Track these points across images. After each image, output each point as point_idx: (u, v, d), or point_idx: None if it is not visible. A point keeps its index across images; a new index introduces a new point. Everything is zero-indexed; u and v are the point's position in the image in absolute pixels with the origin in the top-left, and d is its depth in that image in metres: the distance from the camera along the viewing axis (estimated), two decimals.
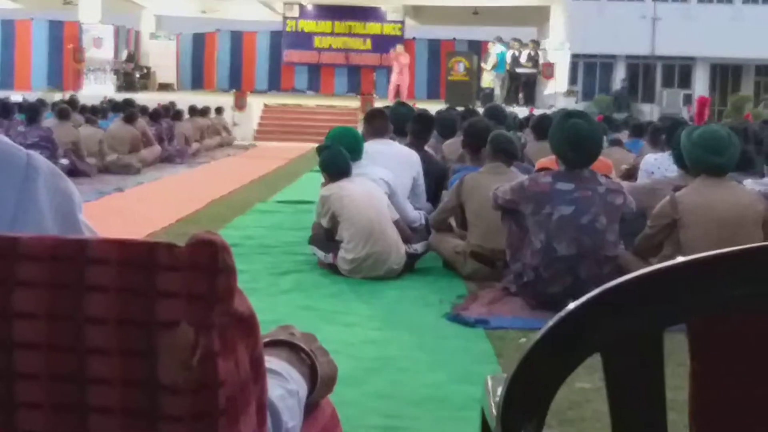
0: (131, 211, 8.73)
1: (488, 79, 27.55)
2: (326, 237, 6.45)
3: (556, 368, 0.99)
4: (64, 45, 27.71)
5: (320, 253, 6.52)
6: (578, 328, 0.98)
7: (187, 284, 0.92)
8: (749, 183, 5.80)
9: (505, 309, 5.34)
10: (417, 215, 7.02)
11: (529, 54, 26.82)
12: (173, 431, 0.96)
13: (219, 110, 22.19)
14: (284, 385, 1.24)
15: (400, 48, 29.00)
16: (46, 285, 0.95)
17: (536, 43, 27.85)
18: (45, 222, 1.14)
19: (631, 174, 8.05)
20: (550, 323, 0.98)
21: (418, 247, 6.56)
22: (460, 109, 14.79)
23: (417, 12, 32.60)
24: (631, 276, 0.96)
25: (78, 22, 27.48)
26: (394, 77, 28.36)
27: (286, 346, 1.35)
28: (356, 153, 6.82)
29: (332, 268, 6.36)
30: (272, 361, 1.25)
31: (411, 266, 6.50)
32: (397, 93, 27.63)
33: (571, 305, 0.96)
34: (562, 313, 0.97)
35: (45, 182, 1.16)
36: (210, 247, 0.92)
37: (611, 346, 0.98)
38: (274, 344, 1.34)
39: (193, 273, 0.92)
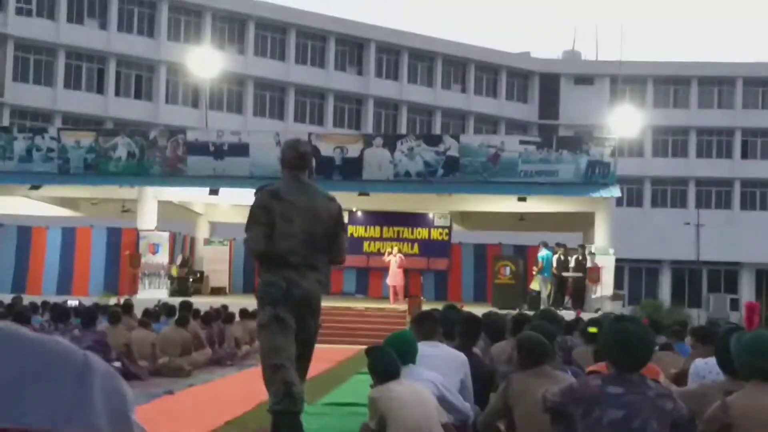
0: (181, 413, 8.69)
1: (535, 282, 27.64)
2: None
3: None
4: (121, 251, 28.32)
5: None
6: None
7: None
8: None
9: None
10: (469, 407, 6.93)
11: (577, 258, 26.99)
12: None
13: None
14: None
15: (394, 249, 29.33)
16: None
17: (582, 248, 28.02)
18: (99, 422, 1.15)
19: (681, 378, 7.91)
20: None
21: None
22: (509, 312, 14.76)
23: (464, 218, 33.11)
24: None
25: (135, 229, 28.16)
26: (389, 279, 28.66)
27: None
28: (409, 356, 6.81)
29: None
30: None
31: None
32: (395, 296, 27.90)
33: None
34: None
35: (100, 381, 1.18)
36: None
37: None
38: None
39: None
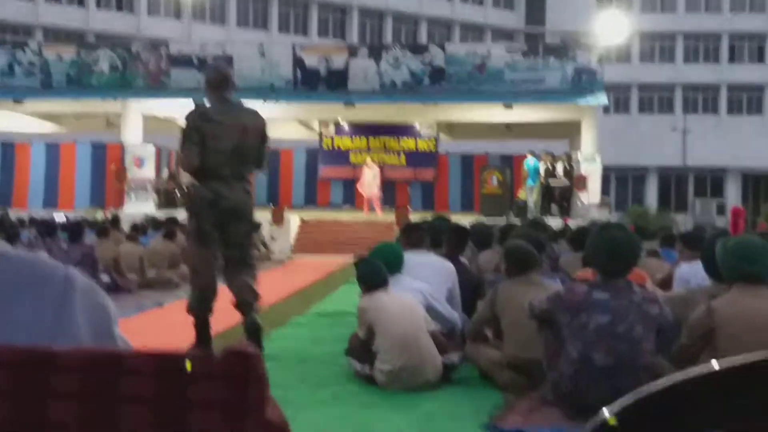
0: (171, 325, 8.75)
1: (522, 191, 27.71)
2: (363, 348, 6.42)
3: None
4: (106, 165, 28.23)
5: (357, 365, 6.48)
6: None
7: (220, 394, 0.92)
8: None
9: (542, 419, 5.26)
10: (457, 317, 7.01)
11: (564, 166, 27.00)
12: None
13: (257, 225, 22.33)
14: None
15: (368, 160, 29.27)
16: (81, 396, 0.95)
17: (569, 156, 28.03)
18: (81, 336, 1.15)
19: (666, 283, 7.98)
20: (585, 430, 0.96)
21: (454, 358, 6.50)
22: (496, 221, 14.83)
23: (450, 128, 33.00)
24: (665, 381, 0.94)
25: (120, 143, 28.03)
26: (364, 190, 28.68)
27: None
28: (396, 266, 6.86)
29: (369, 380, 6.31)
30: None
31: (447, 377, 6.43)
32: (371, 205, 27.93)
33: (605, 412, 0.94)
34: (594, 421, 0.94)
35: (82, 297, 1.17)
36: (242, 358, 0.93)
37: None
38: None
39: (226, 383, 0.92)
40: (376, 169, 28.69)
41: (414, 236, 7.74)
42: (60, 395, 0.96)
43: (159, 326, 9.20)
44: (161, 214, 20.54)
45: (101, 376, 0.96)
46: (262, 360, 0.96)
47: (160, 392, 0.92)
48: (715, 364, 0.94)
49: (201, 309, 7.19)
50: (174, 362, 0.94)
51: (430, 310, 6.73)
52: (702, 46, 53.40)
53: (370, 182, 28.46)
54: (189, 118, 7.20)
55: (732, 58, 52.98)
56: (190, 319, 7.28)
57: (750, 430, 0.98)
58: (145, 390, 0.93)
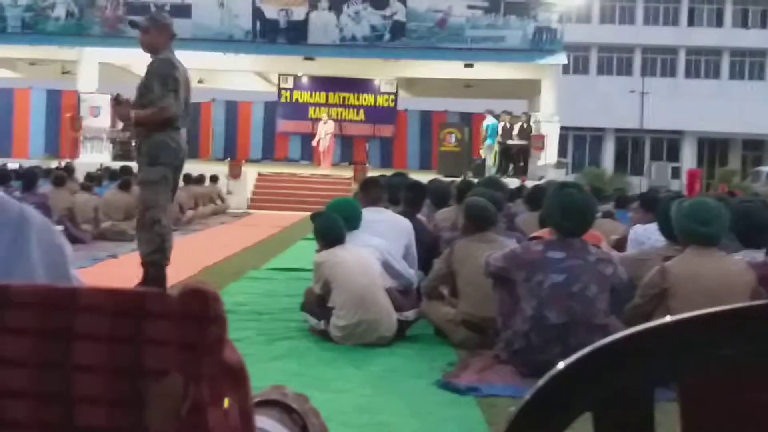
0: (125, 277, 8.69)
1: (481, 150, 27.76)
2: (318, 304, 6.43)
3: (546, 430, 0.99)
4: (61, 114, 27.86)
5: (312, 320, 6.50)
6: (567, 388, 0.97)
7: (177, 333, 0.92)
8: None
9: (496, 377, 5.31)
10: (413, 274, 7.04)
11: (522, 126, 27.03)
12: None
13: (214, 178, 22.25)
14: None
15: (324, 115, 29.17)
16: (36, 333, 0.95)
17: (528, 116, 28.09)
18: (36, 272, 1.14)
19: (621, 244, 8.06)
20: (539, 384, 0.97)
21: (409, 314, 6.54)
22: (453, 179, 14.86)
23: (409, 84, 32.91)
24: (621, 335, 0.96)
25: (76, 92, 27.66)
26: (319, 145, 28.60)
27: (278, 406, 1.34)
28: (353, 222, 6.85)
29: (324, 335, 6.34)
30: (263, 421, 1.24)
31: (402, 333, 6.47)
32: (323, 159, 27.92)
33: (560, 365, 0.96)
34: (550, 374, 0.96)
35: (37, 234, 1.16)
36: (200, 296, 0.92)
37: (601, 405, 0.97)
38: (266, 404, 1.33)
39: (183, 322, 0.92)
40: (330, 124, 28.56)
41: (372, 193, 7.74)
42: (14, 330, 0.95)
43: (113, 277, 9.14)
44: (117, 165, 20.33)
45: (57, 313, 0.95)
46: (221, 300, 0.96)
47: (116, 329, 0.92)
48: (668, 318, 0.96)
49: (163, 257, 7.35)
50: (130, 299, 0.94)
51: (387, 266, 6.75)
52: (662, 8, 53.51)
53: (324, 137, 28.39)
54: (167, 64, 7.30)
55: (691, 22, 53.21)
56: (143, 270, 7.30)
57: (702, 383, 1.00)
58: (100, 327, 0.93)
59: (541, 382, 0.97)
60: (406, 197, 8.21)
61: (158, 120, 7.29)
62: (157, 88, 7.22)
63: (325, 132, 28.35)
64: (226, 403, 0.94)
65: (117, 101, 7.56)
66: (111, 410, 0.94)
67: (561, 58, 28.24)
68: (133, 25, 7.78)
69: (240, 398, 0.99)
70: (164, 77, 7.24)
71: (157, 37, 7.43)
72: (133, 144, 7.93)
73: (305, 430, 1.33)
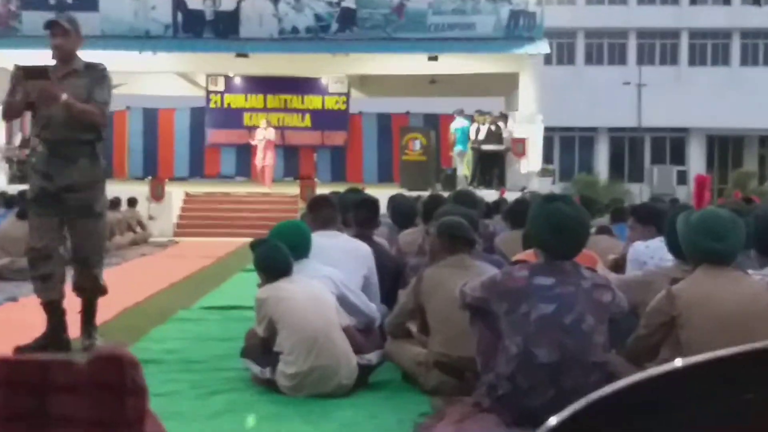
0: (26, 324, 8.61)
1: (450, 158, 27.88)
2: (263, 348, 6.41)
3: None
4: None
5: (255, 368, 6.47)
6: None
7: (87, 409, 0.90)
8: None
9: (477, 428, 5.31)
10: (375, 309, 7.03)
11: (494, 128, 27.05)
12: None
13: (132, 202, 22.17)
14: None
15: (263, 122, 29.22)
16: None
17: (504, 116, 28.23)
18: None
19: (619, 265, 8.11)
20: None
21: (372, 357, 6.53)
22: (419, 194, 14.90)
23: (364, 82, 33.01)
24: (622, 384, 0.95)
25: None
26: (257, 158, 28.54)
27: None
28: (302, 249, 6.84)
29: (270, 385, 6.31)
30: None
31: (364, 380, 6.46)
32: (263, 176, 27.84)
33: (553, 420, 0.96)
34: (541, 430, 0.96)
35: None
36: (115, 364, 0.91)
37: None
38: None
39: (95, 395, 0.90)
40: (270, 132, 28.46)
41: (322, 213, 7.73)
42: None
43: (12, 325, 9.05)
44: (13, 189, 20.19)
45: None
46: (140, 366, 0.95)
47: (13, 407, 0.90)
48: (678, 363, 0.96)
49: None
50: (31, 369, 0.92)
51: (343, 301, 6.74)
52: None
53: (265, 149, 28.30)
54: (109, 76, 7.86)
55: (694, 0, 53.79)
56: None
57: None
58: None
59: None
60: (356, 217, 8.18)
61: (94, 120, 7.60)
62: (100, 92, 7.62)
63: (265, 141, 28.20)
64: None
65: (33, 71, 7.44)
66: None
67: (542, 47, 28.44)
68: (54, 24, 7.85)
69: None
70: (109, 87, 7.73)
71: (76, 42, 7.77)
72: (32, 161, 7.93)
73: None
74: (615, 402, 0.97)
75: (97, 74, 7.77)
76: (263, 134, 28.31)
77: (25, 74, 7.57)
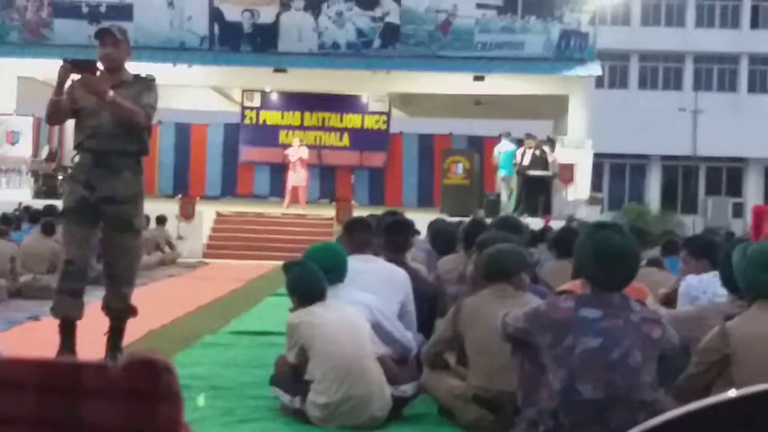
0: (50, 344, 8.66)
1: (495, 183, 27.81)
2: (293, 376, 6.41)
3: None
4: None
5: (285, 397, 6.47)
6: None
7: (120, 415, 0.91)
8: None
9: None
10: (412, 338, 7.01)
11: (539, 153, 26.92)
12: None
13: (161, 220, 22.25)
14: None
15: (296, 140, 29.23)
16: None
17: (551, 141, 28.14)
18: None
19: (670, 300, 8.07)
20: None
21: (407, 388, 6.52)
22: (461, 219, 14.87)
23: (405, 102, 33.00)
24: (673, 414, 0.95)
25: None
26: (289, 177, 28.51)
27: None
28: (337, 273, 6.84)
29: (300, 415, 6.31)
30: None
31: (398, 413, 6.45)
32: (295, 198, 27.76)
33: None
34: None
35: None
36: (150, 369, 0.91)
37: None
38: None
39: (128, 400, 0.91)
40: (304, 151, 28.47)
41: (358, 236, 7.73)
42: None
43: (35, 346, 9.10)
44: (39, 204, 20.33)
45: None
46: (174, 371, 0.95)
47: (46, 411, 0.90)
48: (732, 393, 0.95)
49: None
50: (64, 373, 0.93)
51: (378, 329, 6.73)
52: (719, 7, 53.90)
53: (298, 169, 28.30)
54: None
55: (755, 23, 53.52)
56: (78, 333, 7.29)
57: None
58: (26, 408, 0.91)
59: None
60: (387, 240, 8.13)
61: (139, 122, 7.73)
62: (148, 97, 7.83)
63: (298, 160, 28.20)
64: None
65: (82, 64, 7.57)
66: None
67: (594, 69, 28.36)
68: (105, 34, 7.98)
69: None
70: (156, 96, 8.00)
71: (126, 53, 8.01)
72: (61, 179, 8.09)
73: None
74: None
75: (146, 83, 7.93)
76: (296, 153, 28.34)
77: (73, 66, 7.67)
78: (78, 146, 7.95)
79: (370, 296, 6.86)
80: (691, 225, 40.75)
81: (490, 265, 6.48)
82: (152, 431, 0.91)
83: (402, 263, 7.81)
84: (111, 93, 7.49)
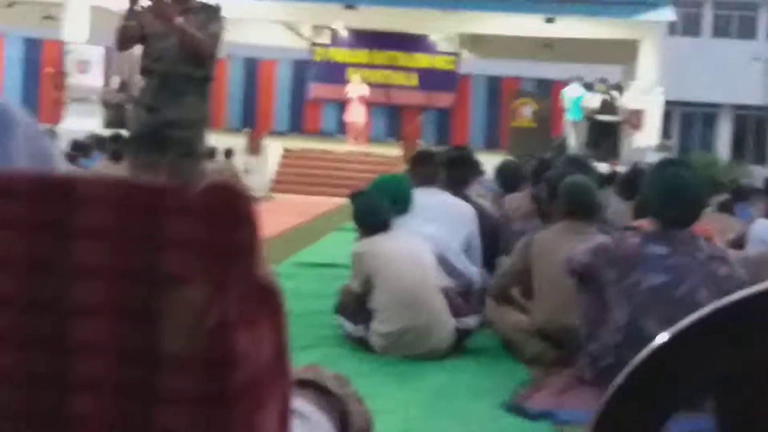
0: None
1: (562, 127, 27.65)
2: (357, 305, 6.43)
3: (652, 414, 0.97)
4: (41, 68, 28.03)
5: (349, 325, 6.50)
6: (681, 360, 0.96)
7: (200, 232, 0.91)
8: None
9: (577, 400, 5.28)
10: (476, 272, 7.02)
11: (608, 98, 26.72)
12: (176, 416, 0.94)
13: (228, 153, 22.35)
14: (310, 429, 1.24)
15: (354, 76, 29.11)
16: (24, 228, 0.94)
17: (619, 86, 27.88)
18: (21, 164, 1.17)
19: (738, 244, 8.01)
20: (641, 355, 0.95)
21: (470, 321, 6.52)
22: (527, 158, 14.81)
23: (475, 43, 32.79)
24: (740, 295, 0.94)
25: (60, 42, 27.79)
26: (347, 115, 28.51)
27: (314, 388, 1.34)
28: (402, 205, 6.85)
29: (363, 343, 6.34)
30: (297, 402, 1.25)
31: (460, 345, 6.46)
32: (355, 135, 27.71)
33: (664, 336, 0.94)
34: (657, 342, 0.95)
35: (24, 129, 1.19)
36: (229, 193, 0.92)
37: (727, 382, 0.95)
38: (300, 384, 1.33)
39: (208, 220, 0.91)
40: (365, 89, 28.42)
41: (424, 169, 7.71)
42: (2, 224, 0.95)
43: None
44: (108, 133, 20.48)
45: (50, 204, 0.94)
46: (252, 200, 0.95)
47: (124, 226, 0.91)
48: None
49: None
50: (142, 192, 0.93)
51: (443, 261, 6.74)
52: None
53: (357, 106, 28.27)
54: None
55: None
56: None
57: None
58: (105, 222, 0.92)
59: (642, 354, 0.95)
60: (448, 174, 8.02)
61: (204, 48, 7.75)
62: (213, 26, 7.87)
63: (358, 97, 28.12)
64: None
65: None
66: (115, 323, 0.93)
67: (667, 14, 28.02)
68: None
69: (274, 328, 0.98)
70: (222, 26, 8.11)
71: None
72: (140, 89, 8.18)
73: (345, 417, 1.34)
74: (732, 315, 0.95)
75: (212, 12, 7.95)
76: (356, 90, 28.26)
77: None
78: (144, 70, 7.99)
79: (436, 228, 6.86)
80: (760, 177, 40.25)
81: (572, 195, 6.42)
82: (230, 252, 0.91)
83: (465, 198, 7.79)
84: (180, 18, 7.53)
